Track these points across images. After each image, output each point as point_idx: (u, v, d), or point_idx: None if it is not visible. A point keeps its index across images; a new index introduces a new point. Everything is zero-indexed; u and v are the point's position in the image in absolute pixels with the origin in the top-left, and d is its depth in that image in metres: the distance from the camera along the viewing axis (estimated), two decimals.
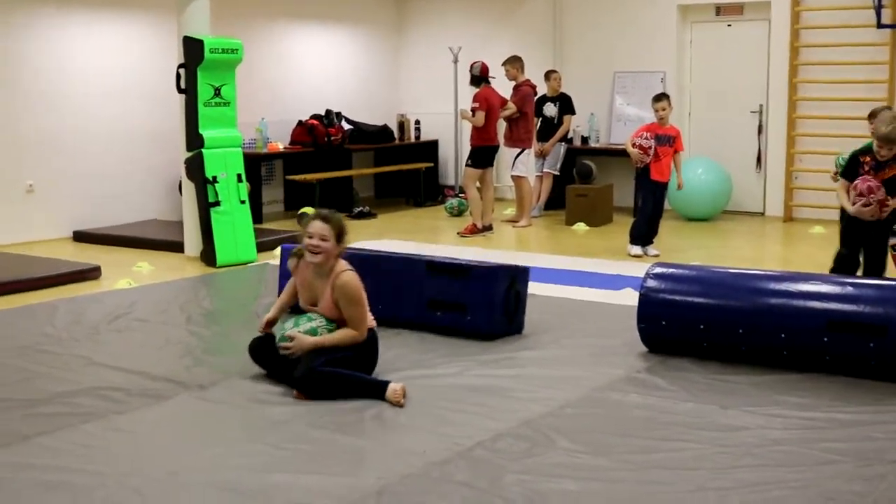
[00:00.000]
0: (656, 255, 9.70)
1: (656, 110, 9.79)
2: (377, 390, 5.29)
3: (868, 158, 7.05)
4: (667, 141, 9.67)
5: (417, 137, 14.50)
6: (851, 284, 5.79)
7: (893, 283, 5.83)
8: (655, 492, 4.15)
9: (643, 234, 9.88)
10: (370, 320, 5.56)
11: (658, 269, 6.23)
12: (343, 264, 5.50)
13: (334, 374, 5.33)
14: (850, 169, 7.16)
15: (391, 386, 5.28)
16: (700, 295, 6.01)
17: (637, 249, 9.80)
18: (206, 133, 9.35)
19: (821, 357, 5.65)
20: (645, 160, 9.63)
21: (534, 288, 7.59)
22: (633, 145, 9.73)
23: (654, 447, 4.64)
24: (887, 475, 4.29)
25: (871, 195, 6.92)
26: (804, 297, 5.74)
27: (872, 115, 8.19)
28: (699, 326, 5.95)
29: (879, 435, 4.77)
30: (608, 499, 4.10)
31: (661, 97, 9.84)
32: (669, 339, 6.11)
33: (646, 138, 9.67)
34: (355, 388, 5.33)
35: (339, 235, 5.46)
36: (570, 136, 12.91)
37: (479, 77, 11.37)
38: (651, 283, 6.13)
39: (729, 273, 6.30)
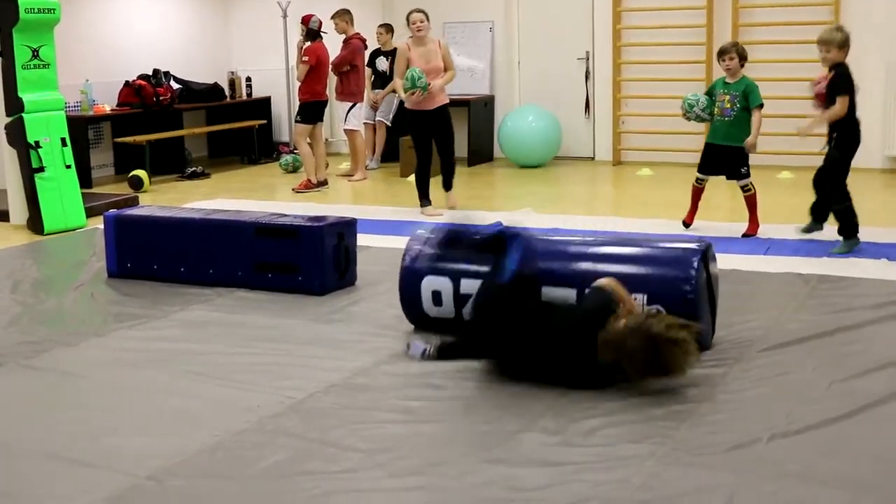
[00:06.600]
0: None
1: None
2: None
3: None
4: None
5: (249, 95, 14.33)
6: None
7: None
8: (484, 431, 4.27)
9: None
10: None
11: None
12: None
13: None
14: None
15: None
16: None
17: None
18: (26, 97, 9.07)
19: None
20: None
21: (368, 240, 7.66)
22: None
23: (486, 387, 4.77)
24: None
25: None
26: None
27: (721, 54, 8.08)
28: None
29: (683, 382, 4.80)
30: (438, 440, 4.20)
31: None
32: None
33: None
34: None
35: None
36: None
37: (317, 31, 11.27)
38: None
39: None
